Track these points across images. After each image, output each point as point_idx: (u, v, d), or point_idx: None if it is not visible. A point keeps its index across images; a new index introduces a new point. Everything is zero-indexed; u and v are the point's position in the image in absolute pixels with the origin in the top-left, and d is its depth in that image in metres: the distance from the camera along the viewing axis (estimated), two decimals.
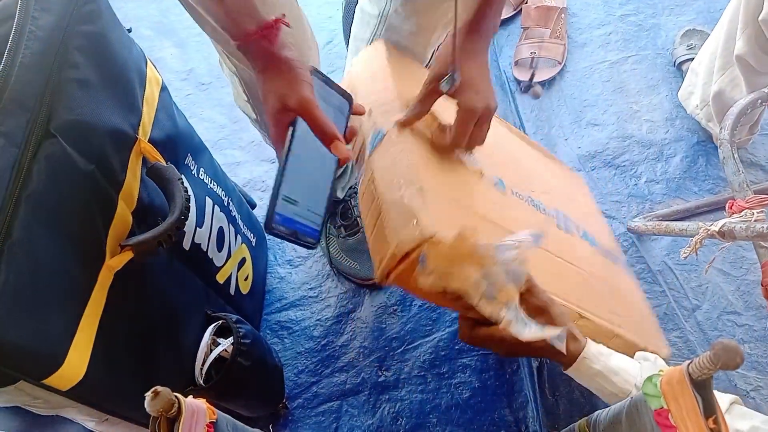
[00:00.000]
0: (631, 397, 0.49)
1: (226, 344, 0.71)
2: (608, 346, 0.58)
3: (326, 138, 0.54)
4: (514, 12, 1.36)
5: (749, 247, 0.98)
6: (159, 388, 0.39)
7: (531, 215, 0.74)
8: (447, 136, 0.64)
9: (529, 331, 0.54)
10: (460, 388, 0.92)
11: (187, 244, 0.69)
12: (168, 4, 1.44)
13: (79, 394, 0.50)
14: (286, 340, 0.98)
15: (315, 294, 1.02)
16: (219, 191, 0.81)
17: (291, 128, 0.54)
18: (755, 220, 0.65)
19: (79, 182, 0.49)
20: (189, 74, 1.32)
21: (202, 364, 0.69)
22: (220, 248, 0.78)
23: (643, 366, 0.56)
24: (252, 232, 0.95)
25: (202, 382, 0.69)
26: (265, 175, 1.17)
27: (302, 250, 1.07)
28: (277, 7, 0.57)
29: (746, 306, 0.97)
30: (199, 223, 0.71)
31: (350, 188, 1.04)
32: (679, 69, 1.23)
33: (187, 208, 0.58)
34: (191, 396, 0.43)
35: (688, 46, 1.22)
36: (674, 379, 0.42)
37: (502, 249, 0.54)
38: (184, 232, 0.68)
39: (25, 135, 0.45)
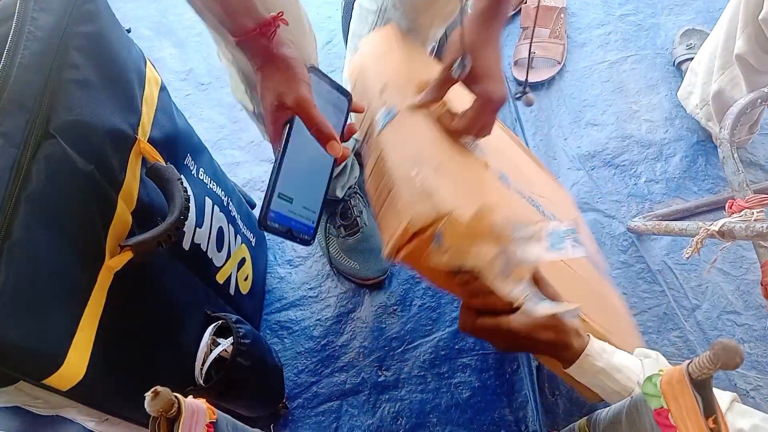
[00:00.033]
0: (631, 397, 0.49)
1: (226, 344, 0.71)
2: None
3: (322, 137, 0.54)
4: (514, 12, 1.36)
5: (749, 246, 0.98)
6: (159, 388, 0.39)
7: (532, 214, 0.74)
8: (457, 121, 0.64)
9: (542, 307, 0.53)
10: (460, 387, 0.92)
11: (186, 244, 0.69)
12: (167, 4, 1.44)
13: (79, 394, 0.50)
14: (286, 340, 0.98)
15: (315, 294, 1.02)
16: (218, 191, 0.81)
17: (288, 126, 0.55)
18: (755, 220, 0.65)
19: (78, 182, 0.49)
20: (188, 74, 1.32)
21: (202, 364, 0.69)
22: (219, 248, 0.78)
23: (644, 363, 0.56)
24: (252, 232, 0.95)
25: (202, 382, 0.69)
26: (265, 175, 1.16)
27: (302, 250, 1.07)
28: (276, 5, 0.57)
29: (746, 305, 0.97)
30: (199, 223, 0.71)
31: (350, 188, 1.04)
32: (679, 69, 1.23)
33: (187, 209, 0.58)
34: (191, 396, 0.43)
35: (687, 46, 1.22)
36: (674, 378, 0.42)
37: (518, 227, 0.53)
38: (184, 232, 0.68)
39: (24, 135, 0.45)
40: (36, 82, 0.46)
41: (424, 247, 0.52)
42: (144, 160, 0.60)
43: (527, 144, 1.17)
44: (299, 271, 1.05)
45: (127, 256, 0.54)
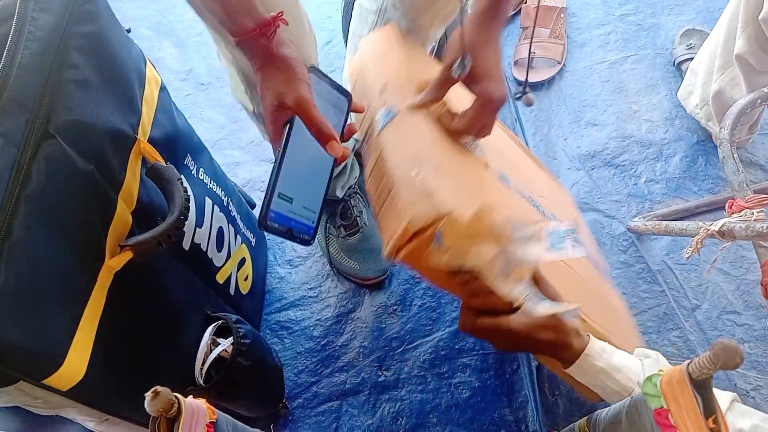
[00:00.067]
0: (631, 397, 0.49)
1: (226, 344, 0.71)
2: None
3: (322, 137, 0.54)
4: (514, 12, 1.36)
5: (749, 246, 0.98)
6: (159, 388, 0.39)
7: (532, 214, 0.74)
8: (457, 121, 0.64)
9: (542, 307, 0.53)
10: (460, 387, 0.92)
11: (186, 244, 0.69)
12: (167, 4, 1.44)
13: (79, 394, 0.50)
14: (285, 340, 0.98)
15: (315, 294, 1.02)
16: (218, 191, 0.81)
17: (288, 126, 0.55)
18: (755, 220, 0.65)
19: (78, 182, 0.49)
20: (188, 74, 1.32)
21: (202, 364, 0.69)
22: (219, 248, 0.78)
23: (644, 363, 0.56)
24: (252, 232, 0.95)
25: (202, 382, 0.69)
26: (265, 175, 1.16)
27: (302, 250, 1.07)
28: (276, 5, 0.57)
29: (746, 305, 0.97)
30: (199, 223, 0.71)
31: (350, 188, 1.04)
32: (679, 69, 1.23)
33: (187, 208, 0.58)
34: (191, 396, 0.43)
35: (687, 46, 1.22)
36: (674, 378, 0.42)
37: (518, 227, 0.53)
38: (184, 232, 0.68)
39: (24, 135, 0.45)
40: (36, 82, 0.46)
41: (424, 247, 0.52)
42: (144, 160, 0.60)
43: (527, 144, 1.17)
44: (299, 271, 1.05)
45: (127, 256, 0.54)
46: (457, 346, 0.95)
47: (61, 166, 0.47)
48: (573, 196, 1.10)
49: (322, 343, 0.97)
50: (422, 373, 0.93)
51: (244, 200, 0.95)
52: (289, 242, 1.07)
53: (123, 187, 0.55)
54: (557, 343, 0.54)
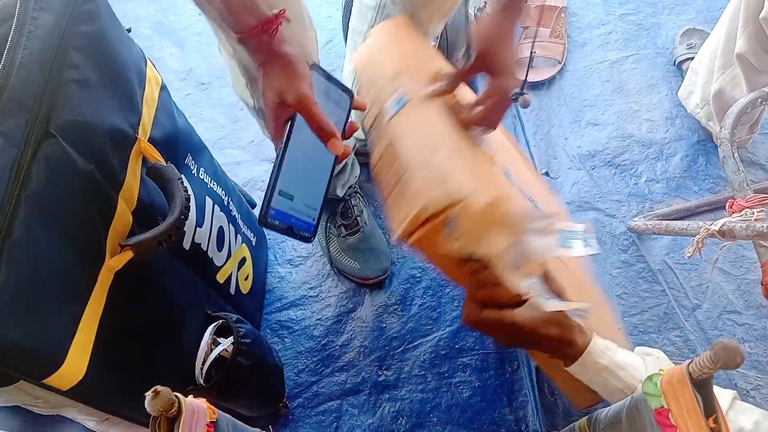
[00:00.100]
0: (632, 396, 0.49)
1: (226, 344, 0.71)
2: None
3: (323, 135, 0.54)
4: None
5: (749, 246, 0.98)
6: (159, 387, 0.39)
7: (533, 212, 0.74)
8: (471, 113, 0.65)
9: (551, 303, 0.53)
10: (461, 387, 0.92)
11: (187, 244, 0.69)
12: (167, 4, 1.44)
13: (79, 393, 0.50)
14: (286, 339, 0.98)
15: (315, 293, 1.02)
16: (219, 191, 0.81)
17: (289, 123, 0.55)
18: (755, 220, 0.65)
19: (78, 182, 0.49)
20: (188, 74, 1.32)
21: (203, 364, 0.69)
22: (220, 248, 0.78)
23: (646, 361, 0.56)
24: (252, 232, 0.95)
25: (202, 381, 0.69)
26: (265, 175, 1.16)
27: (302, 250, 1.07)
28: (278, 2, 0.57)
29: (746, 305, 0.97)
30: (199, 223, 0.71)
31: (350, 187, 1.04)
32: (679, 68, 1.23)
33: (187, 208, 0.58)
34: (191, 396, 0.43)
35: (688, 45, 1.22)
36: (674, 378, 0.42)
37: (533, 218, 0.53)
38: (184, 232, 0.68)
39: (24, 135, 0.44)
40: (36, 82, 0.46)
41: (436, 232, 0.52)
42: (144, 160, 0.60)
43: (527, 144, 1.17)
44: (299, 270, 1.05)
45: (128, 255, 0.54)
46: (457, 346, 0.95)
47: (62, 165, 0.47)
48: (573, 196, 1.10)
49: (323, 342, 0.97)
50: (422, 373, 0.93)
51: (244, 200, 0.95)
52: (289, 242, 1.07)
53: (123, 186, 0.55)
54: (561, 340, 0.54)
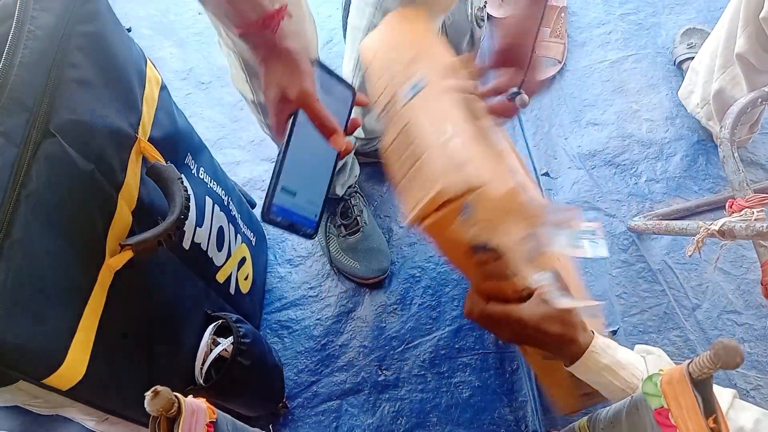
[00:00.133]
0: (632, 396, 0.49)
1: (226, 344, 0.71)
2: None
3: (326, 130, 0.54)
4: None
5: (749, 246, 0.98)
6: (159, 387, 0.39)
7: (551, 204, 0.74)
8: (490, 103, 0.65)
9: (564, 300, 0.52)
10: (460, 387, 0.92)
11: (186, 244, 0.69)
12: (167, 4, 1.44)
13: (79, 393, 0.50)
14: (286, 339, 0.98)
15: (315, 293, 1.02)
16: (219, 190, 0.81)
17: (291, 119, 0.54)
18: (755, 219, 0.65)
19: (78, 182, 0.49)
20: (189, 74, 1.32)
21: (202, 364, 0.69)
22: (220, 248, 0.78)
23: (647, 360, 0.55)
24: (252, 232, 0.95)
25: (202, 381, 0.69)
26: (265, 175, 1.16)
27: (302, 250, 1.07)
28: None
29: (746, 305, 0.97)
30: (199, 223, 0.71)
31: (350, 187, 1.04)
32: (680, 68, 1.23)
33: (187, 208, 0.58)
34: (191, 395, 0.43)
35: (688, 45, 1.22)
36: (674, 378, 0.42)
37: (553, 209, 0.52)
38: (184, 232, 0.68)
39: (24, 134, 0.45)
40: (36, 82, 0.46)
41: (450, 217, 0.51)
42: (144, 160, 0.60)
43: (527, 144, 1.17)
44: (299, 270, 1.05)
45: (128, 255, 0.54)
46: (457, 346, 0.95)
47: (62, 165, 0.47)
48: (573, 196, 1.10)
49: (322, 342, 0.97)
50: (422, 373, 0.93)
51: (244, 199, 0.95)
52: (289, 242, 1.07)
53: (123, 186, 0.55)
54: (564, 337, 0.54)
